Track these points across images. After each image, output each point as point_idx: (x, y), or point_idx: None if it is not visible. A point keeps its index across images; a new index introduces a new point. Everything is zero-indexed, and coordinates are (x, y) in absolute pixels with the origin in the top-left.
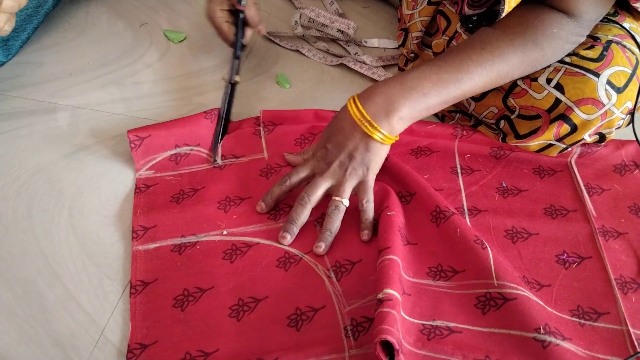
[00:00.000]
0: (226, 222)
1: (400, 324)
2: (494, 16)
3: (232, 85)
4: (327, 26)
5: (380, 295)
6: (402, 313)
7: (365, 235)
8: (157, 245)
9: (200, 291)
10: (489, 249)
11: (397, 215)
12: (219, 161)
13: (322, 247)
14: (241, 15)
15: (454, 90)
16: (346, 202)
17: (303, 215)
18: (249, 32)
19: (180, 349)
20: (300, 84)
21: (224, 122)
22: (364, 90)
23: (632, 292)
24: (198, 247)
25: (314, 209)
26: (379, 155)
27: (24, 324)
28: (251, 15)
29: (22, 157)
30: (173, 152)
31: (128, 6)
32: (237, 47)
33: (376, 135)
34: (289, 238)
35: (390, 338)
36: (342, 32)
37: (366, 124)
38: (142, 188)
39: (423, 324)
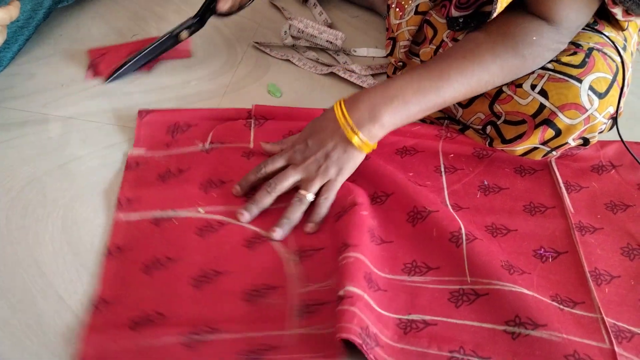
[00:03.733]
0: (204, 201)
1: (377, 319)
2: (481, 18)
3: (173, 36)
4: (315, 36)
5: (341, 292)
6: (378, 308)
7: (309, 228)
8: (138, 217)
9: (169, 260)
10: (465, 246)
11: (368, 217)
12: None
13: (278, 232)
14: None
15: (434, 98)
16: (310, 197)
17: (266, 200)
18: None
19: (140, 309)
20: (291, 93)
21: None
22: (351, 95)
23: (605, 284)
24: (175, 221)
25: (283, 197)
26: (354, 160)
27: (19, 333)
28: None
29: (15, 168)
30: (173, 125)
31: (119, 17)
32: (202, 7)
33: (355, 141)
34: (246, 216)
35: (351, 337)
36: (331, 42)
37: (349, 128)
38: (132, 165)
39: (399, 318)
